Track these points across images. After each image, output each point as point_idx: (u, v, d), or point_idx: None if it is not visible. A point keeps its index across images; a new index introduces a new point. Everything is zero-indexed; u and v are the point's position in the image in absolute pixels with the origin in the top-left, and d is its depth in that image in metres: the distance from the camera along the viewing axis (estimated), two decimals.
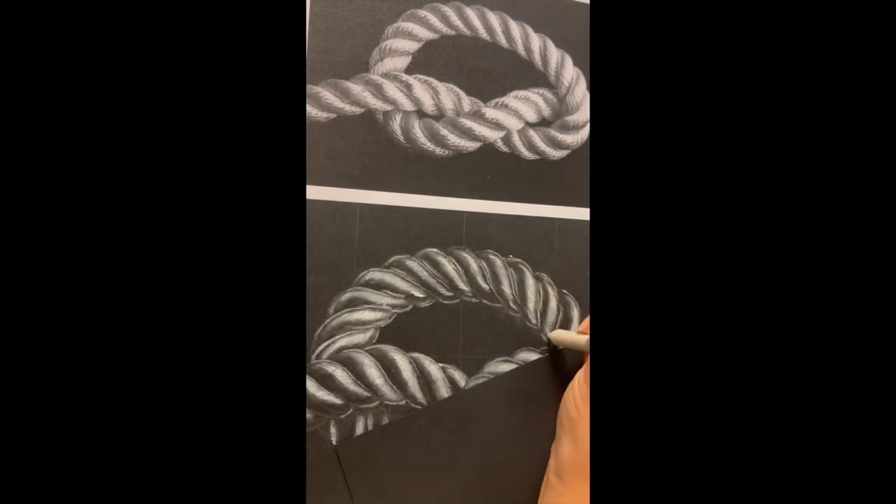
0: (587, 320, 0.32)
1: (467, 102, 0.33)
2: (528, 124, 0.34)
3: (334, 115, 0.31)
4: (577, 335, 0.31)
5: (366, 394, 0.31)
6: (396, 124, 0.32)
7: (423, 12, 0.33)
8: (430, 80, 0.33)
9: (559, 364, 0.34)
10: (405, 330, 0.32)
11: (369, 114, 0.32)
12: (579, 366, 0.31)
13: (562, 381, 0.32)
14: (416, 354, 0.32)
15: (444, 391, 0.32)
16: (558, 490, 0.28)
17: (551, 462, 0.29)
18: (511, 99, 0.34)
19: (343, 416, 0.30)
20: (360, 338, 0.31)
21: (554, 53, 0.35)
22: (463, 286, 0.33)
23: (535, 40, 0.35)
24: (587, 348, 0.30)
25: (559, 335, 0.33)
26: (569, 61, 0.35)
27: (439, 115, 0.33)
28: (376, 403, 0.31)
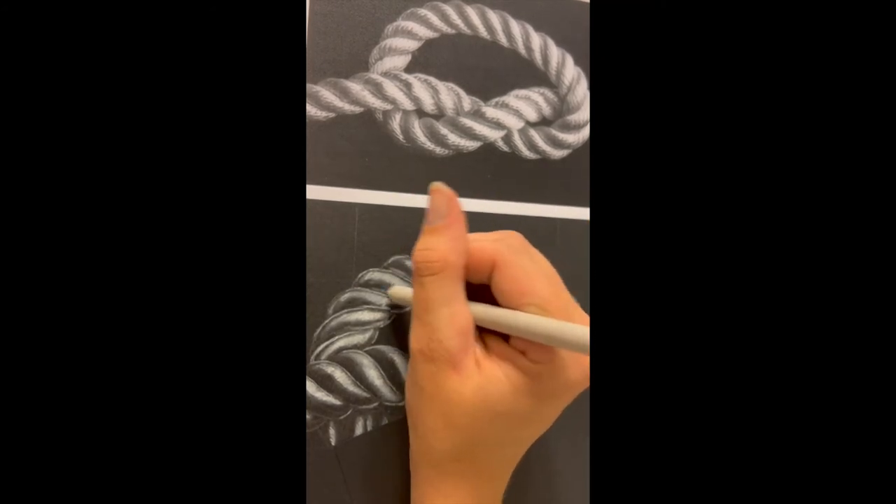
0: None
1: (467, 101, 0.33)
2: (529, 123, 0.34)
3: (333, 115, 0.31)
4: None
5: (365, 395, 0.31)
6: (396, 123, 0.32)
7: (423, 11, 0.33)
8: (430, 79, 0.33)
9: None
10: (404, 330, 0.32)
11: (369, 113, 0.32)
12: None
13: None
14: None
15: None
16: (414, 481, 0.27)
17: (410, 454, 0.28)
18: (511, 98, 0.34)
19: (342, 417, 0.30)
20: (359, 338, 0.31)
21: (555, 53, 0.35)
22: None
23: (536, 39, 0.34)
24: None
25: (396, 291, 0.30)
26: (570, 60, 0.35)
27: (439, 115, 0.33)
28: (376, 404, 0.31)
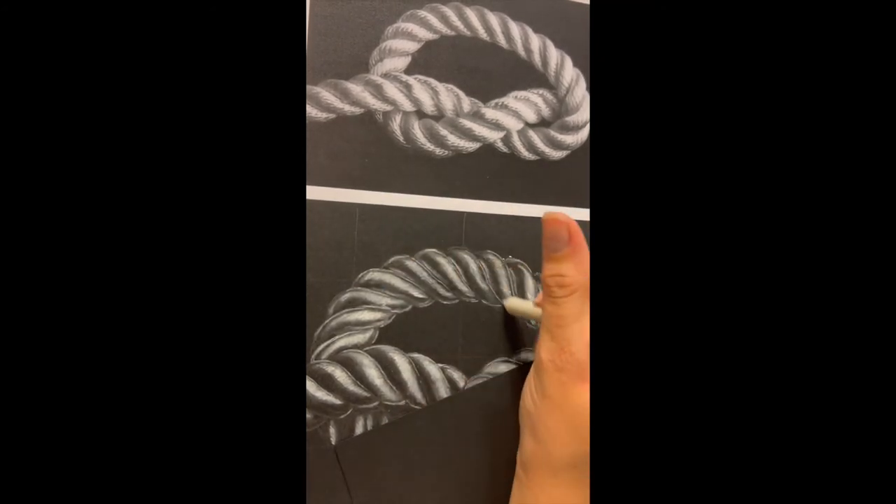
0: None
1: (467, 103, 0.33)
2: (528, 125, 0.34)
3: (334, 116, 0.31)
4: (532, 306, 0.31)
5: (365, 394, 0.31)
6: (396, 125, 0.32)
7: (422, 13, 0.33)
8: (430, 80, 0.33)
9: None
10: (404, 330, 0.32)
11: (369, 114, 0.32)
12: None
13: None
14: (415, 355, 0.32)
15: (443, 391, 0.32)
16: (525, 483, 0.28)
17: (518, 456, 0.29)
18: (510, 99, 0.34)
19: (342, 417, 0.30)
20: (359, 338, 0.31)
21: (554, 54, 0.35)
22: (462, 287, 0.33)
23: (535, 41, 0.35)
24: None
25: (514, 303, 0.32)
26: (568, 62, 0.35)
27: (439, 116, 0.33)
28: (376, 404, 0.31)
